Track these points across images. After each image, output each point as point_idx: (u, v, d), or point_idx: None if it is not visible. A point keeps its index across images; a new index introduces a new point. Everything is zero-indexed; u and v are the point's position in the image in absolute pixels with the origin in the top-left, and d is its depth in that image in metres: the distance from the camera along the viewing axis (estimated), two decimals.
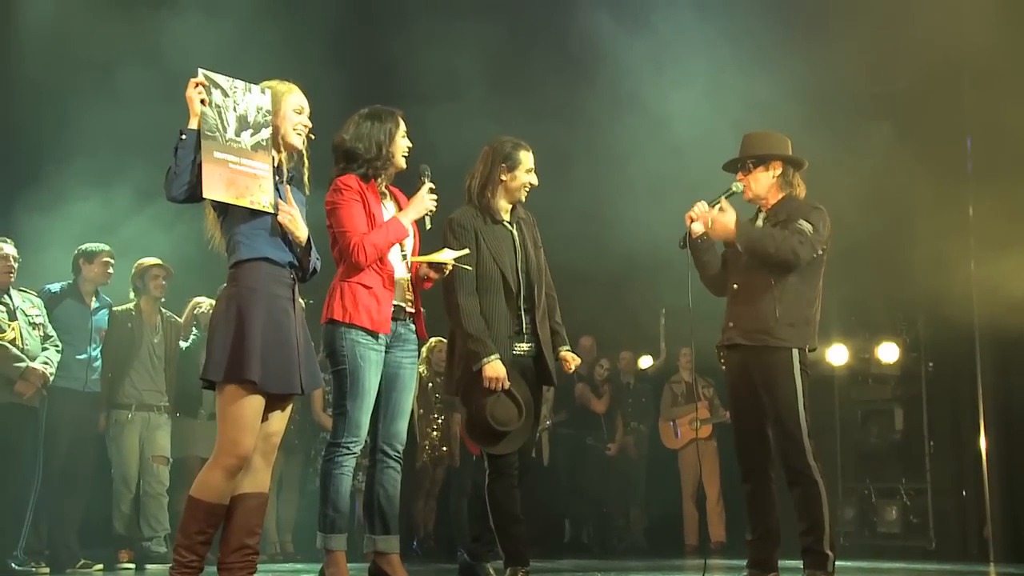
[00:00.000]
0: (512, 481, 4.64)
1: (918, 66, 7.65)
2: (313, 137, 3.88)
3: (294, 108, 3.81)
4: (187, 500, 3.59)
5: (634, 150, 8.06)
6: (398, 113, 4.46)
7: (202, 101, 3.53)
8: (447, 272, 4.47)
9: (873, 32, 7.80)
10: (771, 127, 5.00)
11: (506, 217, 4.80)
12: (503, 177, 4.75)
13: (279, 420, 3.73)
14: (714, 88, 7.96)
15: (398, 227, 4.28)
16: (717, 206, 4.68)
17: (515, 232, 4.79)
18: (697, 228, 4.72)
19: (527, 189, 4.81)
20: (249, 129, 3.62)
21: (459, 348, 4.66)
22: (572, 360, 4.93)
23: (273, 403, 3.67)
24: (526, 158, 4.78)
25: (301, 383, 3.65)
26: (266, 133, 3.67)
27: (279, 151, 3.80)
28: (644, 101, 8.04)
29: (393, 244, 4.28)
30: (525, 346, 4.75)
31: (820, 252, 4.58)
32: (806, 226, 4.55)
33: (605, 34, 8.21)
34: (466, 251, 4.52)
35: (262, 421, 3.63)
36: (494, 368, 4.49)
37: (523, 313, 4.73)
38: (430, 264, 4.42)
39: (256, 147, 3.63)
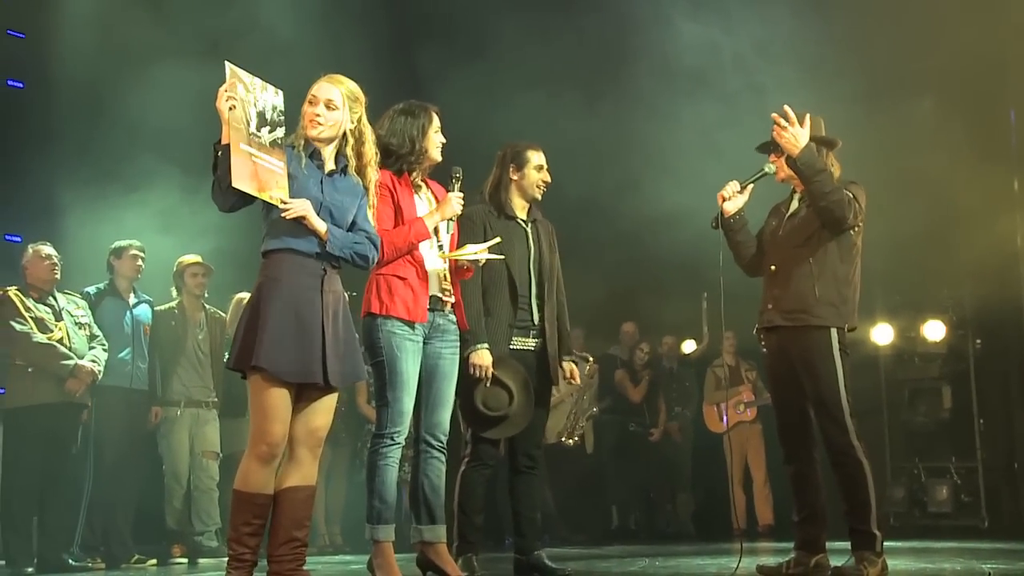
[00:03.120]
0: (488, 472, 4.85)
1: (960, 40, 7.53)
2: (323, 124, 3.87)
3: (308, 99, 3.85)
4: (232, 494, 3.65)
5: (674, 131, 8.02)
6: (432, 108, 4.49)
7: (231, 99, 3.54)
8: (482, 263, 4.54)
9: (913, 6, 7.70)
10: (810, 106, 4.95)
11: (521, 215, 4.96)
12: (513, 176, 4.94)
13: (322, 415, 3.75)
14: (752, 66, 7.92)
15: (420, 229, 4.30)
16: (749, 187, 4.69)
17: (529, 230, 4.94)
18: (729, 207, 4.70)
19: (540, 187, 4.97)
20: (267, 126, 3.66)
21: None
22: (571, 372, 5.05)
23: (311, 396, 3.69)
24: (534, 156, 4.96)
25: (326, 374, 3.63)
26: (280, 132, 3.71)
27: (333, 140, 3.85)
28: (697, 86, 8.03)
29: (414, 245, 4.30)
30: (532, 342, 4.90)
31: (857, 226, 4.55)
32: (848, 193, 4.51)
33: (672, 20, 8.23)
34: (497, 240, 4.58)
35: (305, 415, 3.68)
36: (479, 356, 4.65)
37: (534, 309, 4.88)
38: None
39: (273, 144, 3.67)
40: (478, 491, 4.83)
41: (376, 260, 3.96)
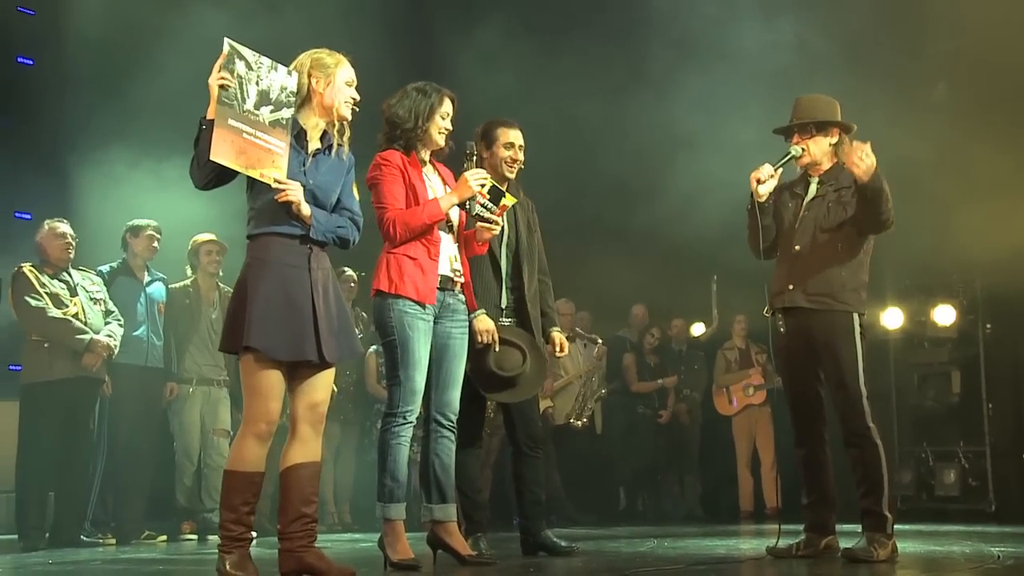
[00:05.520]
0: (479, 452, 4.93)
1: (975, 24, 7.48)
2: (358, 109, 3.89)
3: (346, 81, 3.83)
4: (224, 475, 3.65)
5: (685, 115, 8.00)
6: (447, 93, 4.46)
7: (222, 79, 3.50)
8: (497, 227, 4.47)
9: None
10: (827, 88, 4.92)
11: None
12: (484, 155, 4.88)
13: (320, 390, 3.74)
14: (769, 50, 7.88)
15: (434, 209, 4.28)
16: (779, 170, 4.62)
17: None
18: (763, 190, 4.63)
19: (510, 165, 4.90)
20: (270, 105, 3.61)
21: None
22: (560, 343, 5.06)
23: (305, 374, 3.69)
24: (503, 134, 4.88)
25: (321, 351, 3.63)
26: (287, 113, 3.67)
27: (331, 121, 3.81)
28: (705, 67, 8.00)
29: (427, 225, 4.28)
30: (506, 322, 4.90)
31: None
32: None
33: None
34: (515, 200, 4.56)
35: (303, 391, 3.69)
36: (482, 321, 4.66)
37: (507, 291, 4.89)
38: (480, 221, 4.39)
39: (275, 124, 3.62)
40: (468, 472, 4.81)
41: (356, 242, 3.90)
